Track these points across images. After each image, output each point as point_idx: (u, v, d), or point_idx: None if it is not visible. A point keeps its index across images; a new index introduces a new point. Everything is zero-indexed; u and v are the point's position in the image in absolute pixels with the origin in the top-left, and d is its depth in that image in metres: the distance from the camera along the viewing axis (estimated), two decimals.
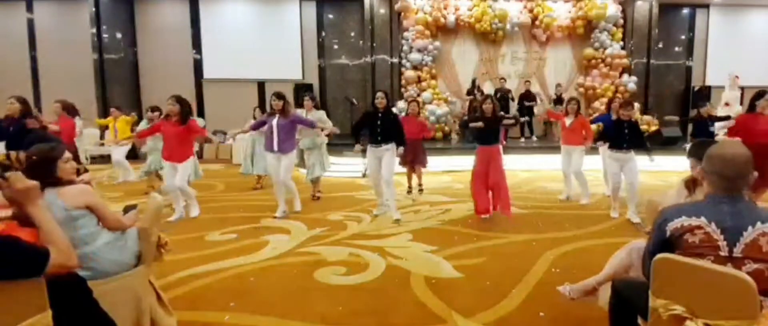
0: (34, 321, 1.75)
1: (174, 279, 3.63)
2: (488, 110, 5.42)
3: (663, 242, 1.84)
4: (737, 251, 1.72)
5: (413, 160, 7.02)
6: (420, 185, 7.20)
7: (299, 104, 7.22)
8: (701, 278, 1.70)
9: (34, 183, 1.90)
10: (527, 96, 11.35)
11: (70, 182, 2.42)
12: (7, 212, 2.33)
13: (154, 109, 6.97)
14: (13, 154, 2.79)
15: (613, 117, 5.92)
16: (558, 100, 11.51)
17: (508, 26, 12.15)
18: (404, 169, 7.16)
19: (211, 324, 2.96)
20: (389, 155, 5.49)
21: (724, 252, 1.73)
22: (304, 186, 7.06)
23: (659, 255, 1.79)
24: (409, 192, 7.17)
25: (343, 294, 3.40)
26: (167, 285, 3.44)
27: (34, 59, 12.65)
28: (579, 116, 6.53)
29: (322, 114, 6.76)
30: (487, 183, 5.48)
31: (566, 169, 6.65)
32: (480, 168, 5.53)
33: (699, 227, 1.76)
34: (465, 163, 9.54)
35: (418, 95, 11.70)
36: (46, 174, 2.30)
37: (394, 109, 6.95)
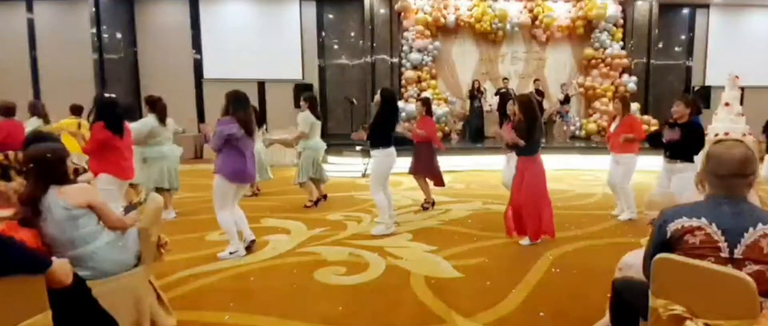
0: (34, 321, 1.75)
1: (174, 279, 3.63)
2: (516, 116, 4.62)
3: (663, 243, 1.83)
4: (738, 252, 1.71)
5: (415, 169, 6.09)
6: (425, 201, 6.13)
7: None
8: (701, 278, 1.69)
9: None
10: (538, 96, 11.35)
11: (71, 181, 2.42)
12: (8, 212, 2.33)
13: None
14: (11, 153, 2.79)
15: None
16: (565, 100, 11.52)
17: (508, 26, 12.15)
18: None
19: (211, 324, 2.96)
20: (372, 161, 5.01)
21: (724, 254, 1.72)
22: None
23: (659, 256, 1.78)
24: (428, 207, 6.10)
25: (343, 294, 3.40)
26: (167, 285, 3.44)
27: (34, 59, 12.64)
28: (627, 116, 5.45)
29: (300, 115, 6.07)
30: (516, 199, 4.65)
31: (610, 181, 5.71)
32: (516, 179, 4.71)
33: (699, 228, 1.75)
34: (465, 162, 9.57)
35: (419, 95, 11.70)
36: (61, 172, 2.31)
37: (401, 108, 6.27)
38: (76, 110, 6.61)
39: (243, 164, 4.09)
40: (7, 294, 1.71)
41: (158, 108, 5.49)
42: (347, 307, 3.18)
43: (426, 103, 6.19)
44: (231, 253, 4.16)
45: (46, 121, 6.58)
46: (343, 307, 3.17)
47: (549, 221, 4.66)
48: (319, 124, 6.25)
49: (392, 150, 4.94)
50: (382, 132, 4.89)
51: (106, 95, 4.76)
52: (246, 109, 4.14)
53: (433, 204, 6.15)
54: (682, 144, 4.44)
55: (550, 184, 7.92)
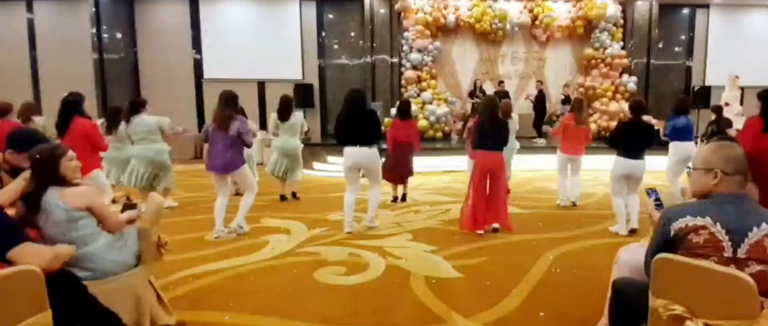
0: (34, 321, 1.75)
1: (174, 279, 3.62)
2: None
3: (666, 242, 1.83)
4: (741, 252, 1.71)
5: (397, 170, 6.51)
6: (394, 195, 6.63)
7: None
8: (701, 278, 1.69)
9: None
10: (540, 96, 11.35)
11: (74, 182, 2.42)
12: (8, 211, 2.33)
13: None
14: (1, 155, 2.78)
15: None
16: (566, 100, 11.53)
17: (508, 26, 12.15)
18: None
19: (211, 324, 2.96)
20: None
21: (728, 253, 1.72)
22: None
23: (659, 255, 1.78)
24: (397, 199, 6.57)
25: (343, 294, 3.40)
26: (167, 285, 3.44)
27: (34, 59, 12.63)
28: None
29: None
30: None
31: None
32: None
33: (704, 227, 1.75)
34: (465, 163, 9.53)
35: (418, 95, 11.71)
36: (51, 172, 2.31)
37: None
38: None
39: (210, 155, 4.71)
40: (7, 294, 1.71)
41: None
42: (347, 307, 3.18)
43: (401, 105, 6.54)
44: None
45: None
46: (343, 307, 3.17)
47: (468, 213, 5.01)
48: (284, 124, 6.39)
49: (350, 150, 4.90)
50: (341, 131, 4.96)
51: (67, 94, 4.70)
52: (222, 105, 4.59)
53: (405, 197, 6.60)
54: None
55: (550, 184, 7.96)
